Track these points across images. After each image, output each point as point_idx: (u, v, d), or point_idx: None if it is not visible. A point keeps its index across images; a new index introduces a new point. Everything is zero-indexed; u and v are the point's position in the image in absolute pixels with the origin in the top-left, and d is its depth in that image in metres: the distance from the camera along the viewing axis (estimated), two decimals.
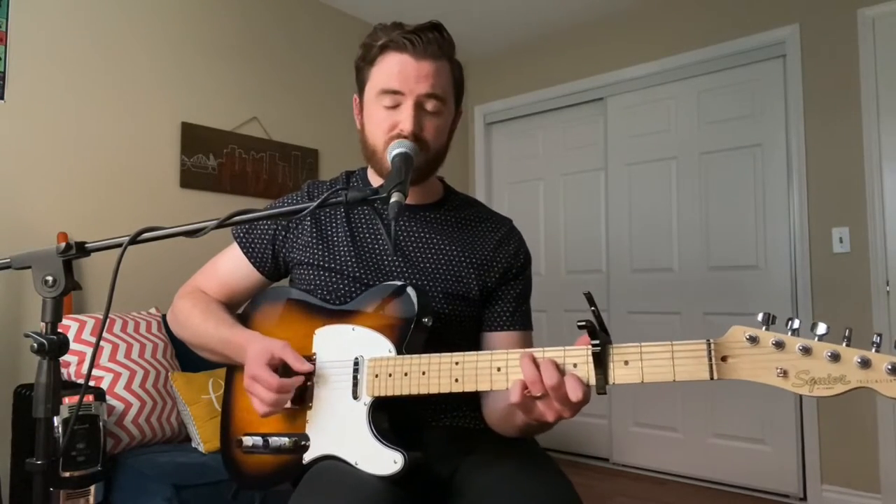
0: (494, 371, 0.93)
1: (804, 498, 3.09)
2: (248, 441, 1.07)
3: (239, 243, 1.26)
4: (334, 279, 1.17)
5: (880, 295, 2.88)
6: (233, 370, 1.22)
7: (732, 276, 3.36)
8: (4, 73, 2.45)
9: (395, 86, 1.10)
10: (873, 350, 0.76)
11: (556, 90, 4.06)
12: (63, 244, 0.89)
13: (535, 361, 0.88)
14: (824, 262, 3.05)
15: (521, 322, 1.21)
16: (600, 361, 0.85)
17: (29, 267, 0.90)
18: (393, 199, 0.93)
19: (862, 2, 2.97)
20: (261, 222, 1.24)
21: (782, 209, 3.23)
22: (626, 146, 3.78)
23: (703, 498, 3.23)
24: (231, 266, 1.27)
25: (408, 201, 1.17)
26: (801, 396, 3.11)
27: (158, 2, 2.93)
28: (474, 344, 1.20)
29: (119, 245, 0.91)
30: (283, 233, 1.23)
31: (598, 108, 3.93)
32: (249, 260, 1.25)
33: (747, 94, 3.36)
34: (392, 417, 1.03)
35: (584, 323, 0.85)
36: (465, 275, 1.17)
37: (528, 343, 1.21)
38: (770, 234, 3.26)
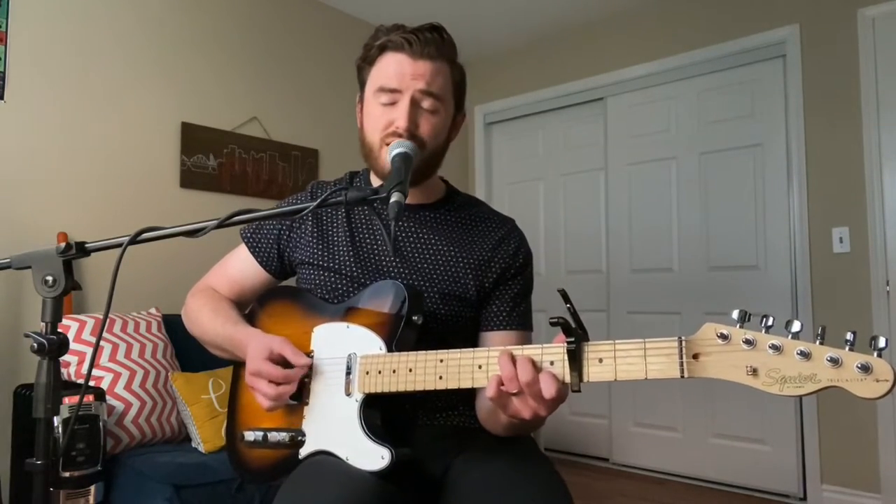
0: (476, 369, 0.94)
1: (804, 498, 3.09)
2: (249, 436, 1.11)
3: (246, 243, 1.30)
4: (333, 278, 1.18)
5: (880, 295, 2.88)
6: (239, 367, 1.24)
7: (732, 277, 3.36)
8: (4, 73, 2.45)
9: (393, 84, 1.11)
10: (847, 348, 0.72)
11: (556, 90, 4.05)
12: (63, 244, 0.89)
13: (512, 359, 0.89)
14: (824, 262, 3.05)
15: (518, 322, 1.20)
16: (575, 359, 0.86)
17: (29, 267, 0.90)
18: (393, 200, 0.93)
19: (862, 2, 2.97)
20: (267, 223, 1.27)
21: (782, 209, 3.23)
22: (626, 146, 3.78)
23: (703, 498, 3.23)
24: (240, 265, 1.31)
25: (407, 201, 1.18)
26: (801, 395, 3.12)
27: (159, 2, 2.93)
28: (473, 345, 1.18)
29: (119, 245, 0.92)
30: (288, 232, 1.25)
31: (598, 108, 3.93)
32: (256, 259, 1.29)
33: (747, 94, 3.36)
34: (385, 415, 1.04)
35: (556, 319, 0.85)
36: (463, 275, 1.17)
37: (526, 343, 1.17)
38: (770, 234, 3.26)
